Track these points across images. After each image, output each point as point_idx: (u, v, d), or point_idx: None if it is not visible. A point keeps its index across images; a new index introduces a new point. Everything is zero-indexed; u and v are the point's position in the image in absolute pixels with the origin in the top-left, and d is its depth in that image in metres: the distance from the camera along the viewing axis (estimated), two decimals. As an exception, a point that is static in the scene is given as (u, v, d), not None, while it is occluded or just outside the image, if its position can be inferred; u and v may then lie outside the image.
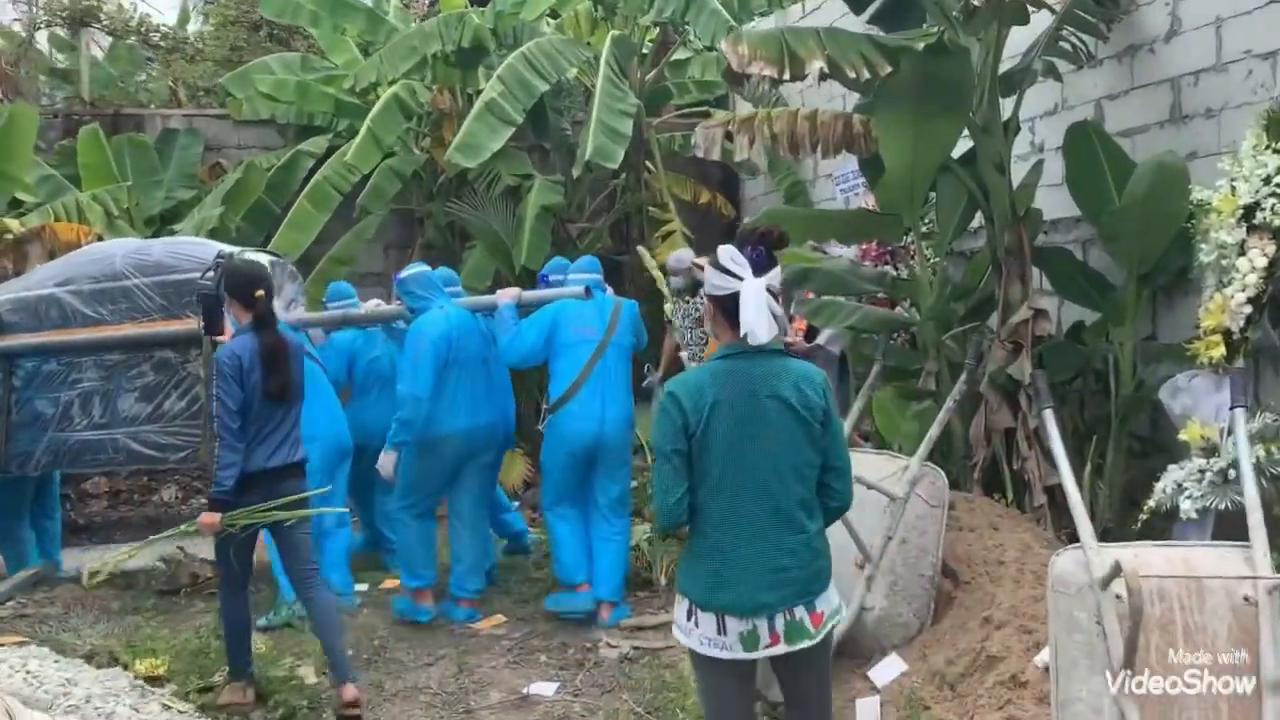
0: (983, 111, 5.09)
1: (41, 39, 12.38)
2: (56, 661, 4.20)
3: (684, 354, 6.19)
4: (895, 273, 6.48)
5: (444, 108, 8.93)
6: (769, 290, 2.60)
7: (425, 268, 5.43)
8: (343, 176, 8.79)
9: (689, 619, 2.72)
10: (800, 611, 2.67)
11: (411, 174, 9.24)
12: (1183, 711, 2.78)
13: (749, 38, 4.56)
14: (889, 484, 4.24)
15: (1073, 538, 3.36)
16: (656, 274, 6.01)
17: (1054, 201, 5.53)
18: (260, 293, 4.15)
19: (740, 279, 2.61)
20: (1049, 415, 3.58)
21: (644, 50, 9.49)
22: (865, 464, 4.29)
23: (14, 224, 8.13)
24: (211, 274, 5.56)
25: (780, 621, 2.65)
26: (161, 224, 9.45)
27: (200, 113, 10.37)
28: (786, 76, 4.42)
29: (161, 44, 12.97)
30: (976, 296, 5.82)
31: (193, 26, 14.47)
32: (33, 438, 5.83)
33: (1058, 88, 5.80)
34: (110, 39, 12.85)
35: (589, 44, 9.19)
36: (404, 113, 8.45)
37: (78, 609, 5.50)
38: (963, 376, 5.09)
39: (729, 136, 5.29)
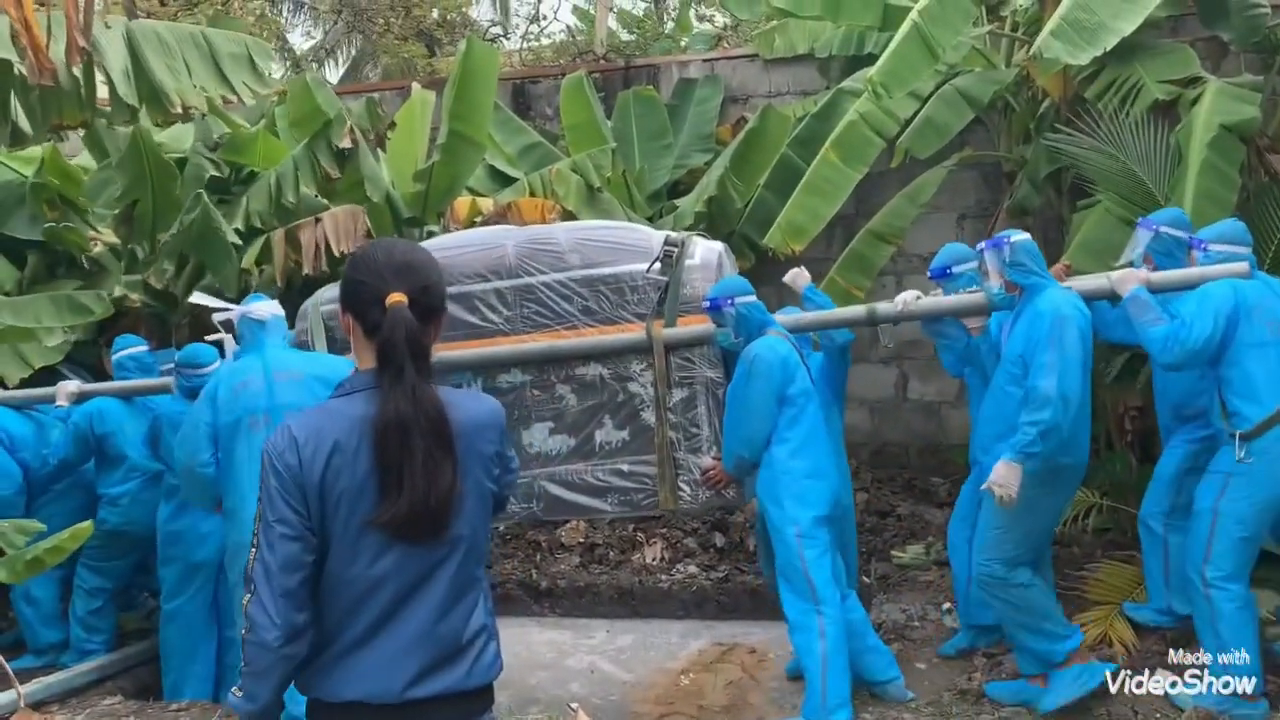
0: None
1: None
2: None
3: None
4: None
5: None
6: None
7: (1025, 235, 4.28)
8: (886, 113, 5.97)
9: None
10: None
11: (992, 101, 6.07)
12: None
13: None
14: None
15: None
16: None
17: None
18: (398, 297, 1.82)
19: None
20: None
21: None
22: None
23: (485, 203, 6.69)
24: (659, 266, 4.56)
25: None
26: (669, 198, 7.45)
27: (723, 55, 8.18)
28: None
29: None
30: None
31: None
32: None
33: None
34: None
35: None
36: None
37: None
38: None
39: None
